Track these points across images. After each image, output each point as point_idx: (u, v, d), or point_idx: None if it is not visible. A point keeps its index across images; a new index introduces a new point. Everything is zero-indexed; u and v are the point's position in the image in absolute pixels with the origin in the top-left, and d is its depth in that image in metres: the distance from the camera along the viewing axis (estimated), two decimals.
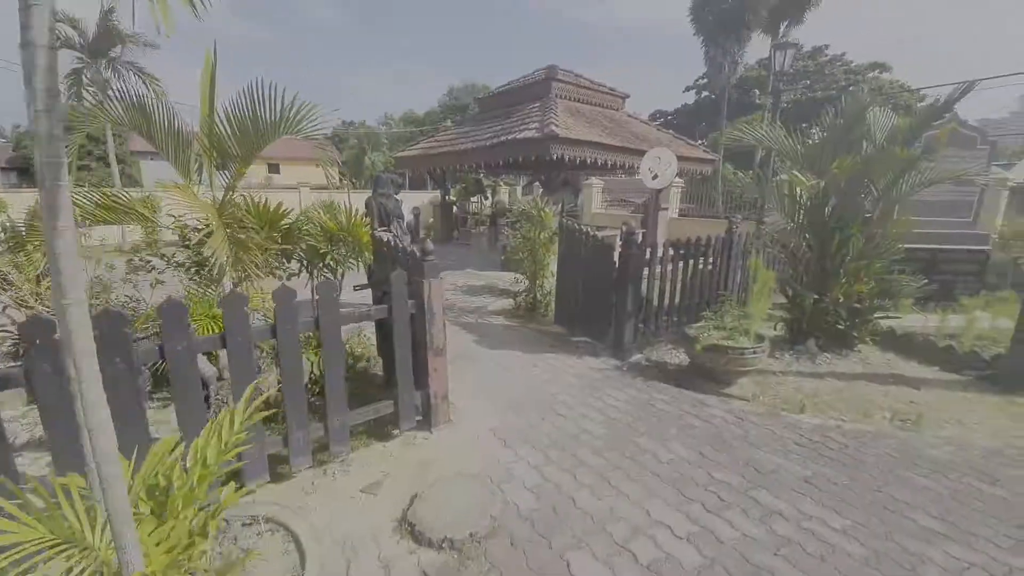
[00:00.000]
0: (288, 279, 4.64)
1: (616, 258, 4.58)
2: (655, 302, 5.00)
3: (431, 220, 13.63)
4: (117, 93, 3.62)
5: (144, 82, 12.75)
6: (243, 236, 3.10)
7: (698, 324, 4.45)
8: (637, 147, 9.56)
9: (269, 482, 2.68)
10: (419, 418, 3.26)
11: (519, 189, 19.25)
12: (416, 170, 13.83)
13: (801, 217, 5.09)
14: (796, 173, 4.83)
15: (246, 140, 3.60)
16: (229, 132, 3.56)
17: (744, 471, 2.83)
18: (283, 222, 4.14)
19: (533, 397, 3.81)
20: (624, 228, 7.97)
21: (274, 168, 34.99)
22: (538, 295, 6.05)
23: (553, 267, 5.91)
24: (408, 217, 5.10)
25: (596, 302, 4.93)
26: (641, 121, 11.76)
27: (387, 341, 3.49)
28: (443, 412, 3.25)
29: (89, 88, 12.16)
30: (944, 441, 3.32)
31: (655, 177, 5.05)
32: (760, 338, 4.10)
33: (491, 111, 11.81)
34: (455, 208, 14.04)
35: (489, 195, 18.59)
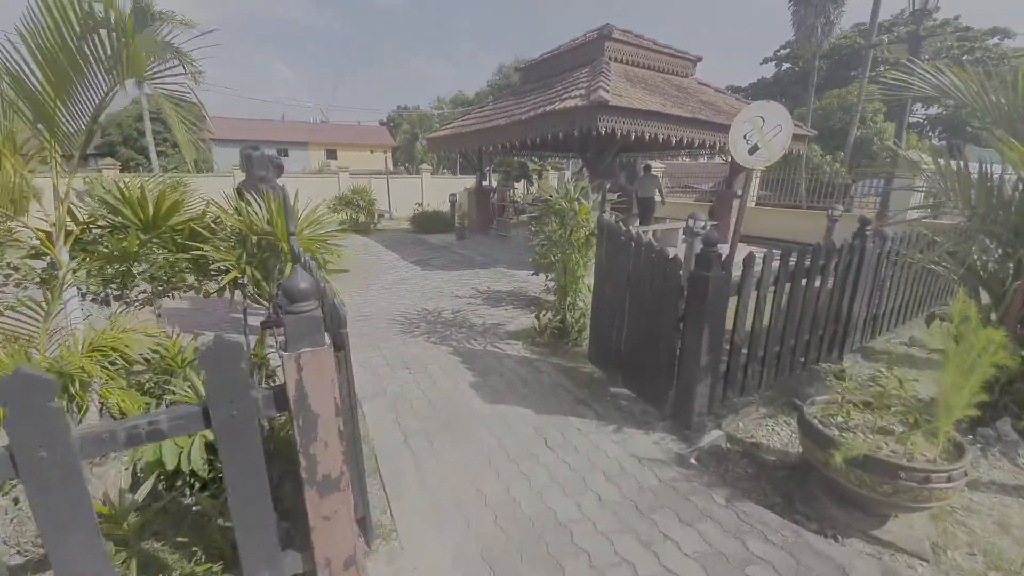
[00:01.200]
0: (220, 295, 3.27)
1: (685, 281, 2.78)
2: (743, 343, 3.14)
3: (465, 208, 12.11)
4: None
5: (182, 63, 12.12)
6: None
7: (823, 399, 2.58)
8: (711, 119, 7.40)
9: None
10: None
11: (568, 174, 17.23)
12: (450, 152, 12.34)
13: (999, 217, 3.00)
14: (1013, 141, 2.71)
15: (64, 88, 2.18)
16: (32, 75, 2.15)
17: None
18: (175, 219, 2.73)
19: (532, 523, 2.17)
20: (690, 223, 5.99)
21: (331, 154, 35.01)
22: (568, 316, 4.34)
23: (590, 279, 4.18)
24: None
25: (650, 341, 3.16)
26: (716, 90, 9.44)
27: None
28: None
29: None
30: None
31: (754, 149, 3.13)
32: (957, 447, 2.19)
33: (534, 81, 9.97)
34: (493, 195, 12.41)
35: (535, 180, 16.77)
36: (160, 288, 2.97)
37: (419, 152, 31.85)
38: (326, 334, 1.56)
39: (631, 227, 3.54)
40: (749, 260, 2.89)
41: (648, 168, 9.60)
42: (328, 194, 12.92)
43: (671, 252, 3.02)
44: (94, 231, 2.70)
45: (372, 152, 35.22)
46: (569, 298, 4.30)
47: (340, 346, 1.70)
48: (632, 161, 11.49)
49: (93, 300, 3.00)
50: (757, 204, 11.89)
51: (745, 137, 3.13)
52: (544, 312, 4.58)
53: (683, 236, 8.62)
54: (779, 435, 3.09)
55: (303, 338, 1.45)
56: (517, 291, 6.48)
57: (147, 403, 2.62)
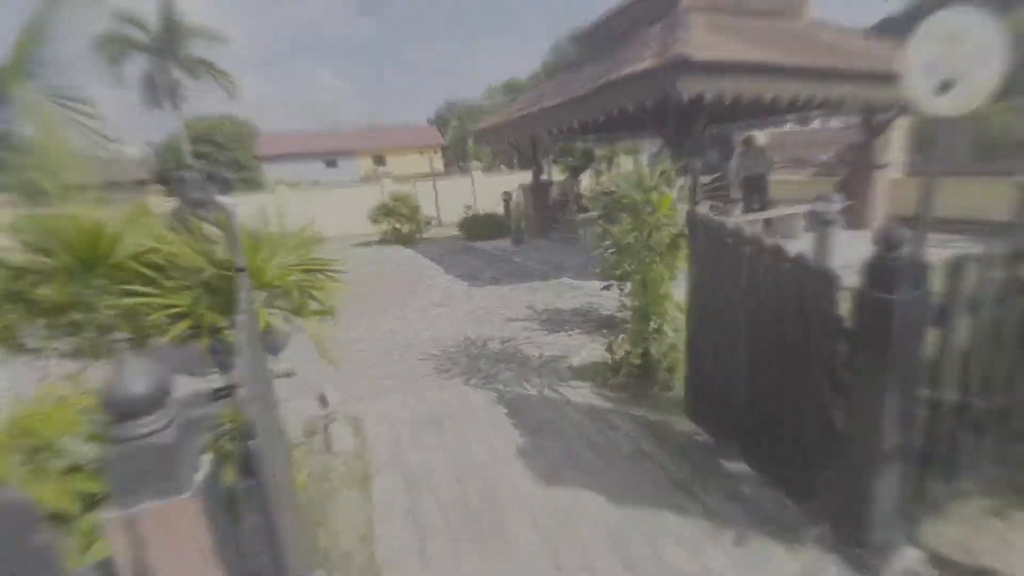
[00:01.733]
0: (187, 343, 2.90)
1: (853, 308, 1.90)
2: (950, 401, 2.16)
3: (523, 208, 11.52)
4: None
5: (215, 79, 12.87)
6: None
7: None
8: (839, 66, 6.18)
9: None
10: None
11: (644, 158, 16.09)
12: (500, 143, 11.86)
13: None
14: None
15: None
16: None
17: None
18: (117, 256, 2.36)
19: None
20: (819, 207, 4.96)
21: (380, 160, 36.32)
22: (653, 349, 3.53)
23: (680, 296, 3.34)
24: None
25: (786, 396, 2.29)
26: (836, 29, 8.04)
27: None
28: None
29: (160, 90, 12.67)
30: None
31: (946, 86, 2.17)
32: None
33: (592, 51, 9.19)
34: (553, 190, 11.72)
35: (603, 169, 15.85)
36: (120, 339, 2.64)
37: (471, 148, 32.05)
38: (204, 459, 0.98)
39: (736, 219, 2.69)
40: (956, 268, 1.94)
41: (750, 140, 8.38)
42: (373, 203, 12.91)
43: (808, 256, 2.15)
44: (30, 277, 2.41)
45: (422, 154, 36.01)
46: (653, 323, 3.49)
47: (250, 470, 1.11)
48: (726, 134, 10.29)
49: (54, 357, 2.77)
50: (908, 174, 10.12)
51: (929, 68, 2.18)
52: (619, 342, 3.79)
53: (805, 225, 7.32)
54: (1020, 551, 2.09)
55: (140, 483, 0.87)
56: (584, 308, 5.72)
57: (92, 495, 2.25)
